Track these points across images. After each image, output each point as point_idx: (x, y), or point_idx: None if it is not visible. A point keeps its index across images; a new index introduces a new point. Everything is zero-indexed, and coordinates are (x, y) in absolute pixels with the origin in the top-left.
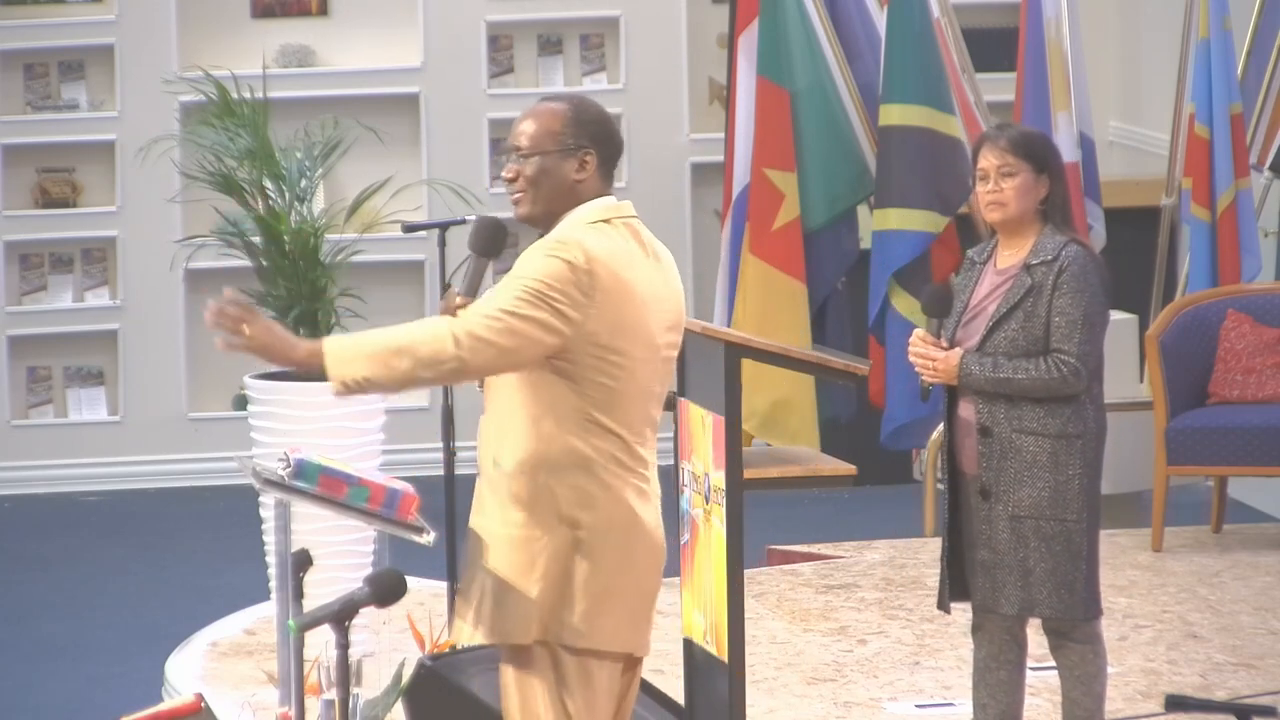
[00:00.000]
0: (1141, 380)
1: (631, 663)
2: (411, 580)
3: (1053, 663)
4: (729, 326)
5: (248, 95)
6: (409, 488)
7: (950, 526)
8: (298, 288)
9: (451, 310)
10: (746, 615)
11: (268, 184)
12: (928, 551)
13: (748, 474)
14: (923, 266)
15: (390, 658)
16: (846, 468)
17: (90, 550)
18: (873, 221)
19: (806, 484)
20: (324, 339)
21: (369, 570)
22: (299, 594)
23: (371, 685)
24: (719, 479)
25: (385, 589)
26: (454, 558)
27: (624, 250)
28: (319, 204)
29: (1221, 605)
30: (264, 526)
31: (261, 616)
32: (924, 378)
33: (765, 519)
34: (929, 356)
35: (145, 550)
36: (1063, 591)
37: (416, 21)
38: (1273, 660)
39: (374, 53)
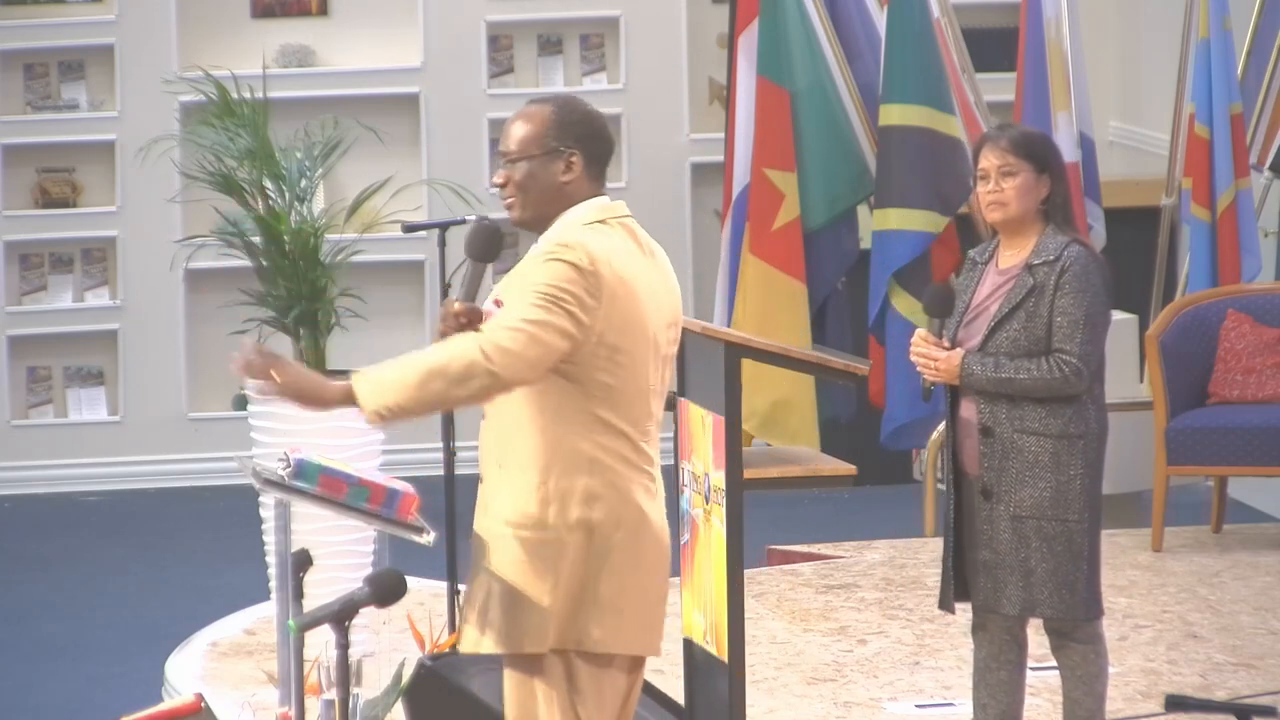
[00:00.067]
0: (1141, 380)
1: (637, 662)
2: (411, 580)
3: (1053, 663)
4: (729, 326)
5: (248, 95)
6: (409, 488)
7: (951, 526)
8: (298, 288)
9: (450, 316)
10: (746, 615)
11: (268, 184)
12: (928, 551)
13: (748, 474)
14: (923, 266)
15: (390, 658)
16: (846, 468)
17: (90, 550)
18: (873, 221)
19: (806, 484)
20: (352, 375)
21: (369, 570)
22: (299, 594)
23: (371, 685)
24: (719, 479)
25: (385, 589)
26: (454, 558)
27: (623, 250)
28: (319, 204)
29: (1221, 605)
30: (264, 526)
31: (261, 616)
32: (926, 377)
33: (765, 519)
34: (931, 356)
35: (145, 550)
36: (1064, 592)
37: (416, 21)
38: (1273, 660)
39: (374, 53)
